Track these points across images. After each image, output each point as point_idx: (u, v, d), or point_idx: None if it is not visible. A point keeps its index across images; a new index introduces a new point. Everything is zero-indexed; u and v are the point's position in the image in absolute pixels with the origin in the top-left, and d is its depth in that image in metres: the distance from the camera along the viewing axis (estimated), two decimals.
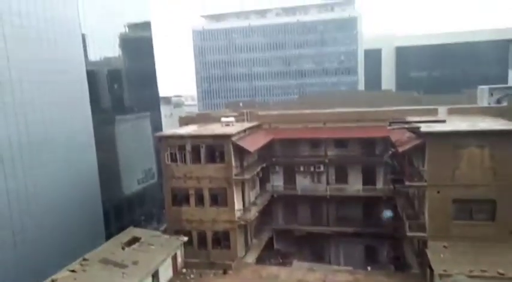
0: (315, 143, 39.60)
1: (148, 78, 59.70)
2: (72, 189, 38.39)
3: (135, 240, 31.56)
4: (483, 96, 45.57)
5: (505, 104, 41.43)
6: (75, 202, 38.52)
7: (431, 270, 24.02)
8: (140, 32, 59.36)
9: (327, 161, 38.97)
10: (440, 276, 22.65)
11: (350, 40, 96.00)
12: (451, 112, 36.64)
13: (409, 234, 27.54)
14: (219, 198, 32.99)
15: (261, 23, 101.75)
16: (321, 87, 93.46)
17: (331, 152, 39.22)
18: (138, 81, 56.15)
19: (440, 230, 26.10)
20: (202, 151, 32.98)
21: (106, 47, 49.92)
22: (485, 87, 45.89)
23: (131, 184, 51.17)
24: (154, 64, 61.45)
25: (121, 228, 34.52)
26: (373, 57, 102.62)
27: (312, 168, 39.44)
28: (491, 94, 44.86)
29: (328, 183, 39.45)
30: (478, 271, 22.24)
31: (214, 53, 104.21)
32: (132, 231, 33.58)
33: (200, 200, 33.23)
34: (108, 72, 50.79)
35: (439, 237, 25.87)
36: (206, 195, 33.08)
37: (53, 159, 36.46)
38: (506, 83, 52.29)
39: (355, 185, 38.83)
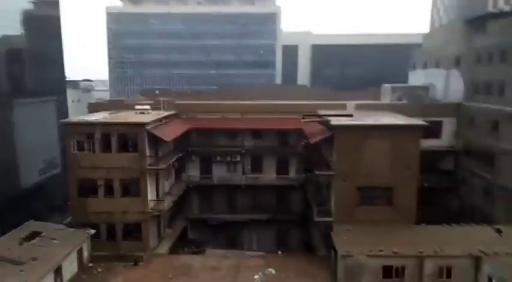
0: (232, 134, 39.86)
1: (54, 60, 54.82)
2: None
3: (34, 234, 28.94)
4: (386, 93, 49.58)
5: (404, 101, 45.60)
6: None
7: (336, 251, 25.65)
8: (47, 10, 54.24)
9: (243, 151, 39.48)
10: (343, 256, 24.34)
11: (269, 35, 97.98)
12: (358, 107, 39.38)
13: (316, 219, 29.14)
14: (131, 189, 31.57)
15: (181, 11, 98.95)
16: (239, 79, 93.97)
17: (248, 143, 39.82)
18: (42, 62, 51.29)
19: (344, 215, 28.02)
20: (114, 140, 31.25)
21: (6, 24, 44.75)
22: (388, 85, 49.90)
23: (31, 175, 46.72)
24: (61, 45, 56.61)
25: (19, 223, 31.34)
26: (290, 52, 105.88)
27: (228, 158, 39.73)
28: (393, 92, 48.99)
29: (244, 172, 40.03)
30: (376, 251, 24.32)
31: (130, 37, 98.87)
32: (32, 225, 30.74)
33: (110, 191, 31.49)
34: (7, 51, 45.70)
35: (344, 221, 27.78)
36: (117, 186, 31.43)
37: None
38: (407, 83, 57.48)
39: (269, 175, 39.94)
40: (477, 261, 23.60)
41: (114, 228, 31.81)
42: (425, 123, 29.22)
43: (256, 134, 39.66)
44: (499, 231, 26.73)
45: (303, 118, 35.02)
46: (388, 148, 28.17)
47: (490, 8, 71.28)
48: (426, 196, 30.42)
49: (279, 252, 35.26)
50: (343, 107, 39.52)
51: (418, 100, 44.96)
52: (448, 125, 38.53)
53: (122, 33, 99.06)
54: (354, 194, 28.09)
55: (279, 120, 38.55)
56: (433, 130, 34.91)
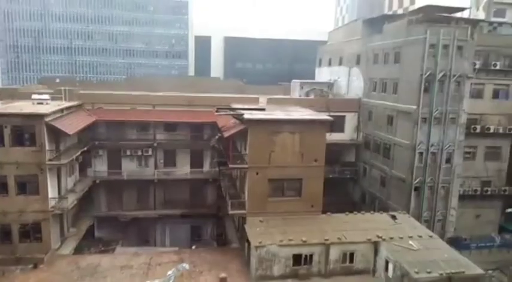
0: (143, 126, 38.42)
1: None
2: None
3: None
4: (296, 88, 51.91)
5: (312, 96, 48.20)
6: None
7: (249, 243, 26.36)
8: None
9: (155, 144, 38.30)
10: (256, 247, 25.07)
11: (181, 24, 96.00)
12: (269, 102, 40.57)
13: (230, 212, 29.55)
14: (29, 186, 28.79)
15: None
16: (150, 69, 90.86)
17: (160, 136, 38.71)
18: None
19: (257, 207, 28.81)
20: (7, 132, 28.22)
21: None
22: (297, 81, 52.28)
23: None
24: None
25: None
26: (203, 44, 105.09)
27: (139, 152, 38.19)
28: (302, 87, 51.51)
29: (156, 167, 38.86)
30: (286, 240, 25.49)
31: (24, 18, 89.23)
32: None
33: (3, 189, 28.41)
34: None
35: (257, 213, 28.58)
36: (11, 183, 28.42)
37: None
38: (314, 79, 60.76)
39: (183, 169, 39.31)
40: (375, 246, 26.01)
41: (9, 229, 28.82)
42: (330, 118, 31.18)
43: (169, 127, 38.72)
44: (393, 217, 29.82)
45: (217, 111, 35.05)
46: (298, 141, 29.53)
47: (386, 11, 78.60)
48: (332, 186, 32.71)
49: (193, 246, 35.08)
50: (256, 100, 40.40)
51: (323, 96, 47.97)
52: (350, 120, 41.79)
53: (14, 13, 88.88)
54: (266, 186, 28.98)
55: (193, 113, 38.11)
56: (337, 124, 37.60)
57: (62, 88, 38.57)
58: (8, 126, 28.24)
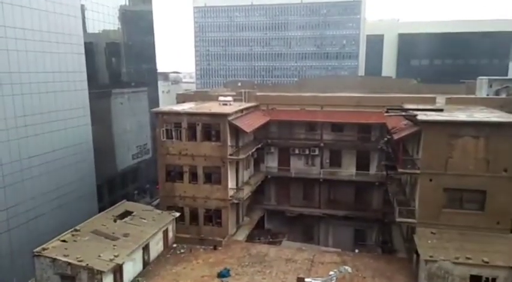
0: (311, 126, 39.61)
1: (147, 53, 59.14)
2: (66, 162, 38.31)
3: (127, 213, 31.80)
4: (482, 87, 45.49)
5: (503, 95, 41.42)
6: (69, 175, 38.53)
7: (418, 255, 24.40)
8: (140, 6, 58.52)
9: (322, 144, 39.06)
10: (426, 261, 23.00)
11: (353, 24, 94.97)
12: (449, 102, 36.60)
13: (398, 219, 27.83)
14: (213, 177, 33.09)
15: (263, 2, 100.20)
16: (321, 71, 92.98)
17: (327, 136, 39.26)
18: (136, 55, 55.64)
19: (429, 217, 26.37)
20: (199, 129, 32.90)
21: (105, 20, 49.14)
22: (485, 78, 45.74)
23: (125, 159, 51.27)
24: (153, 39, 60.79)
25: (114, 202, 34.69)
26: (375, 43, 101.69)
27: (306, 151, 39.55)
28: (490, 85, 44.77)
29: (322, 166, 39.62)
30: (463, 258, 22.59)
31: (214, 30, 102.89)
32: (125, 205, 33.79)
33: (194, 177, 33.35)
34: (107, 45, 50.22)
35: (428, 224, 26.16)
36: (200, 172, 33.18)
37: (48, 130, 36.23)
38: (506, 75, 51.97)
39: (348, 170, 39.02)
40: None
41: (196, 212, 33.71)
42: None
43: (336, 127, 38.91)
44: None
45: (387, 112, 33.50)
46: (482, 147, 25.84)
47: None
48: None
49: (356, 250, 34.51)
50: (432, 100, 37.03)
51: None
52: None
53: (207, 26, 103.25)
54: (440, 195, 26.29)
55: (361, 113, 37.37)
56: None
57: (243, 90, 42.75)
58: (199, 124, 32.95)
